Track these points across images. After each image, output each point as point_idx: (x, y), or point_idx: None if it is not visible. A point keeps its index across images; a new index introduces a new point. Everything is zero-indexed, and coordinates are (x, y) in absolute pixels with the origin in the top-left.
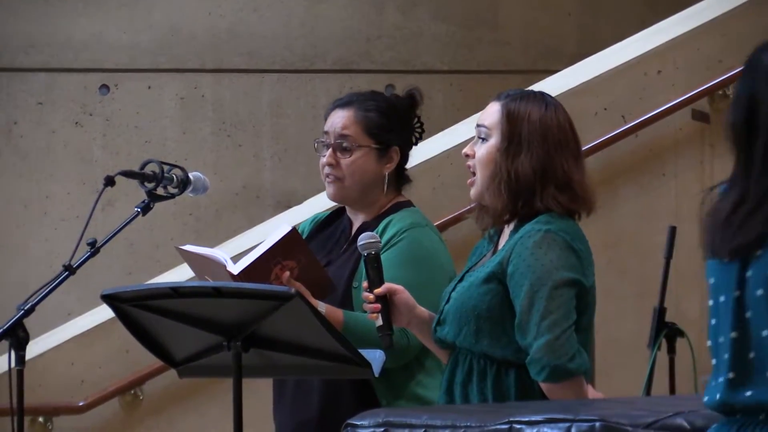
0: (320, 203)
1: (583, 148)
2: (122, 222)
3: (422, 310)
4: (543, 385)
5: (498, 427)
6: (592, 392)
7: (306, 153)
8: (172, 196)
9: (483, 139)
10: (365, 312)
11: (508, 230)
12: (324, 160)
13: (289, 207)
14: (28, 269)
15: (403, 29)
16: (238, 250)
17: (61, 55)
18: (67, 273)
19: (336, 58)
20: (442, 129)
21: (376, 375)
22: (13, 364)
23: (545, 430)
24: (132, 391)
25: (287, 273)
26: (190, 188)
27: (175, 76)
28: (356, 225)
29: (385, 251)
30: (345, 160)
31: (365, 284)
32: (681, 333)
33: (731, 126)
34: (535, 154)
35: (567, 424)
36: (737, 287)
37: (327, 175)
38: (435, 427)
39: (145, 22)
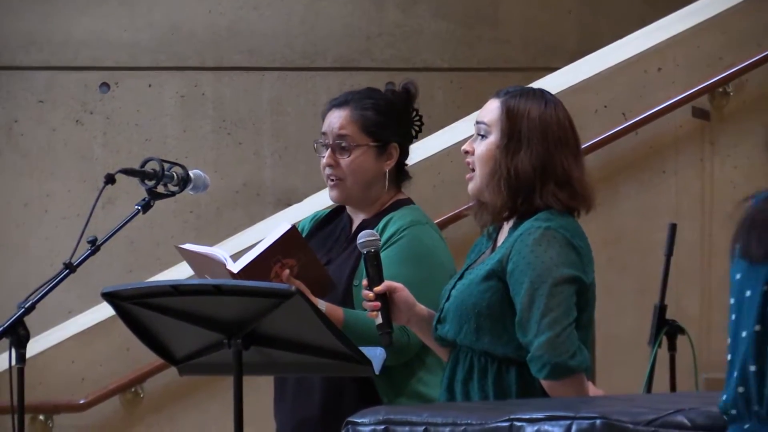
0: (320, 201)
1: (584, 146)
2: (123, 220)
3: (422, 308)
4: (544, 383)
5: (499, 424)
6: (593, 389)
7: (306, 151)
8: (173, 194)
9: (482, 136)
10: (366, 310)
11: (506, 227)
12: (324, 161)
13: (290, 205)
14: (29, 267)
15: (403, 27)
16: (239, 248)
17: (62, 54)
18: (67, 271)
19: (336, 56)
20: (443, 126)
21: (377, 373)
22: (13, 362)
23: (546, 427)
24: (132, 389)
25: (287, 271)
26: (191, 186)
27: (176, 74)
28: (356, 223)
29: (385, 249)
30: (344, 160)
31: (365, 282)
32: (682, 330)
33: None
34: (534, 152)
35: (568, 422)
36: (766, 282)
37: (328, 177)
38: (436, 425)
39: (146, 20)
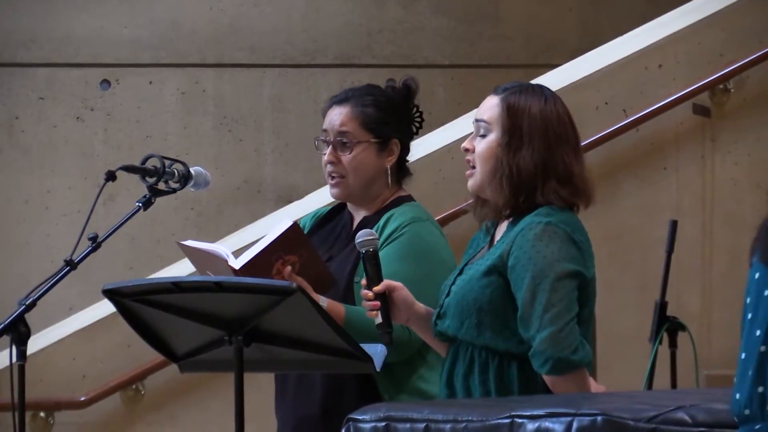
0: (321, 198)
1: (585, 142)
2: (123, 217)
3: (420, 306)
4: (546, 378)
5: (500, 421)
6: (594, 385)
7: (307, 148)
8: (174, 190)
9: (483, 134)
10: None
11: (505, 222)
12: (325, 158)
13: (290, 202)
14: (30, 264)
15: (404, 23)
16: (240, 245)
17: (62, 50)
18: (68, 268)
19: (337, 53)
20: (444, 123)
21: (378, 370)
22: (14, 359)
23: (547, 424)
24: (133, 386)
25: (288, 267)
26: (192, 183)
27: (176, 71)
28: (357, 220)
29: (386, 245)
30: (346, 157)
31: (364, 282)
32: (682, 327)
33: None
34: (536, 149)
35: (569, 418)
36: None
37: (330, 174)
38: (436, 422)
39: (146, 17)
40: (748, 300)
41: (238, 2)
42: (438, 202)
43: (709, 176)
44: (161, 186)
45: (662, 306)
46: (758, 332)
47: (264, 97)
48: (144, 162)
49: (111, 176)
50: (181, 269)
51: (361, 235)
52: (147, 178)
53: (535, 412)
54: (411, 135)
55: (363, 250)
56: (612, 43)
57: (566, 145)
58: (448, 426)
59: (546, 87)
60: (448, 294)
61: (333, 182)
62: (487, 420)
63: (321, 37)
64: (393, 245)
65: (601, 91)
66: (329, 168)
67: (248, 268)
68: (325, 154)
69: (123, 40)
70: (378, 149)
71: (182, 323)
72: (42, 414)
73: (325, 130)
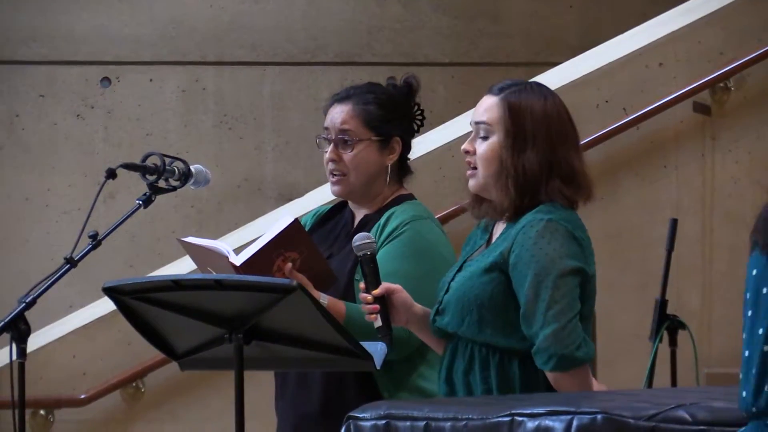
0: (322, 196)
1: (585, 141)
2: (124, 214)
3: (419, 308)
4: (550, 375)
5: (500, 419)
6: (595, 384)
7: (307, 145)
8: (174, 188)
9: (484, 136)
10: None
11: (503, 219)
12: (327, 156)
13: (291, 199)
14: (30, 262)
15: (404, 21)
16: (240, 243)
17: (63, 48)
18: (68, 265)
19: (337, 51)
20: (444, 121)
21: (378, 367)
22: (14, 357)
23: (547, 422)
24: (134, 384)
25: (289, 264)
26: (192, 181)
27: (177, 69)
28: (358, 218)
29: (387, 243)
30: (347, 155)
31: (362, 285)
32: (682, 325)
33: None
34: (540, 149)
35: (569, 417)
36: None
37: (331, 172)
38: (437, 420)
39: (147, 15)
40: (748, 296)
41: (239, 0)
42: (438, 199)
43: (710, 174)
44: (161, 184)
45: (662, 304)
46: (761, 330)
47: (264, 94)
48: (144, 160)
49: (111, 174)
50: (182, 267)
51: (358, 239)
52: (147, 176)
53: (535, 411)
54: (412, 133)
55: (360, 254)
56: (612, 42)
57: (568, 142)
58: (449, 424)
59: (542, 84)
60: (447, 290)
61: (334, 180)
62: (488, 418)
63: (321, 35)
64: (394, 243)
65: (601, 89)
66: (330, 166)
67: (249, 264)
68: (326, 151)
69: (123, 37)
70: (379, 147)
71: (182, 321)
72: (42, 412)
73: (326, 128)
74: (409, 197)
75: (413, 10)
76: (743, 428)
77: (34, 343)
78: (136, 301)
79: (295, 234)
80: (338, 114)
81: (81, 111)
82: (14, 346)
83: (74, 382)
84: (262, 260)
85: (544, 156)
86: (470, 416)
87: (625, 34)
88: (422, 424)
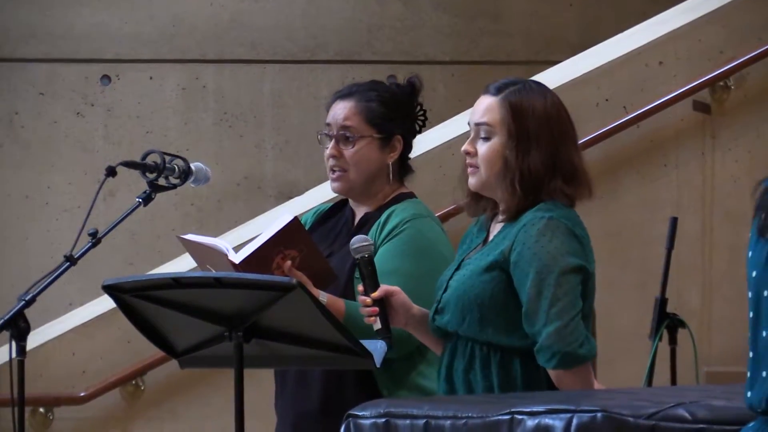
0: (321, 194)
1: (585, 139)
2: (124, 212)
3: (418, 309)
4: (552, 372)
5: (500, 417)
6: (595, 383)
7: (308, 144)
8: (174, 186)
9: (485, 137)
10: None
11: (500, 217)
12: (328, 152)
13: (291, 198)
14: (29, 260)
15: (404, 20)
16: (240, 241)
17: (63, 46)
18: (68, 263)
19: (337, 49)
20: (444, 120)
21: (378, 366)
22: (14, 355)
23: (547, 420)
24: (133, 382)
25: (289, 262)
26: (192, 179)
27: (177, 67)
28: (359, 216)
29: (387, 242)
30: (348, 151)
31: (360, 288)
32: (682, 324)
33: None
34: (543, 149)
35: (569, 415)
36: None
37: (332, 168)
38: (436, 418)
39: (147, 13)
40: (750, 295)
41: None
42: (438, 198)
43: (710, 173)
44: (161, 182)
45: (662, 303)
46: (764, 333)
47: (264, 93)
48: (144, 158)
49: (111, 172)
50: (181, 265)
51: (356, 242)
52: (147, 174)
53: (535, 409)
54: (414, 132)
55: (358, 256)
56: (612, 40)
57: (569, 140)
58: (448, 422)
59: (539, 82)
60: (445, 289)
61: (334, 176)
62: (487, 416)
63: (321, 33)
64: (394, 242)
65: (601, 87)
66: (331, 162)
67: (248, 262)
68: (327, 148)
69: (123, 35)
70: (381, 145)
71: (182, 319)
72: (41, 409)
73: (328, 124)
74: (410, 195)
75: (413, 9)
76: (751, 423)
77: (33, 341)
78: (136, 299)
79: (294, 232)
80: (341, 110)
81: (81, 109)
82: (14, 343)
83: (74, 380)
84: (262, 258)
85: (547, 155)
86: (470, 414)
87: (625, 32)
88: (422, 422)
